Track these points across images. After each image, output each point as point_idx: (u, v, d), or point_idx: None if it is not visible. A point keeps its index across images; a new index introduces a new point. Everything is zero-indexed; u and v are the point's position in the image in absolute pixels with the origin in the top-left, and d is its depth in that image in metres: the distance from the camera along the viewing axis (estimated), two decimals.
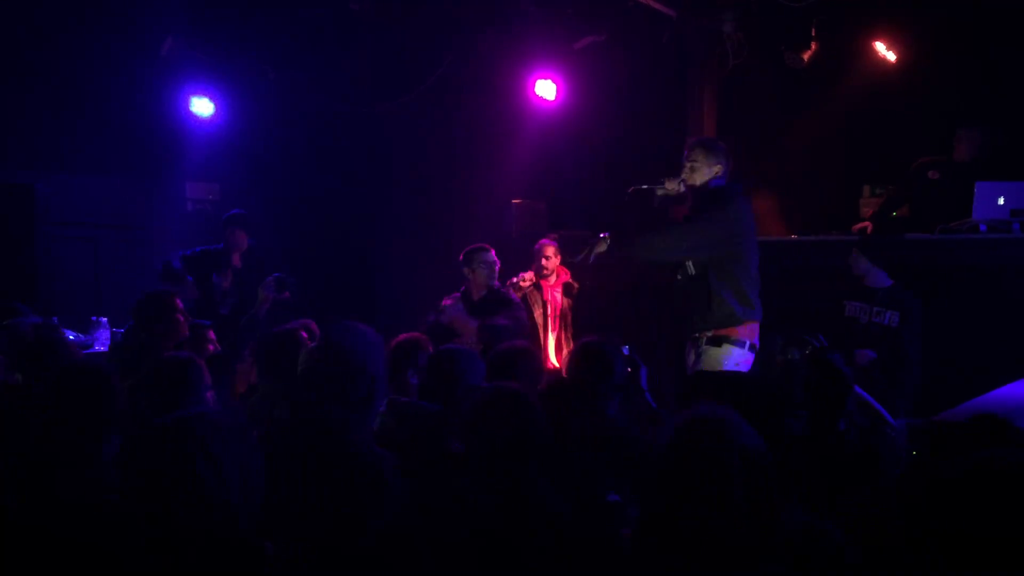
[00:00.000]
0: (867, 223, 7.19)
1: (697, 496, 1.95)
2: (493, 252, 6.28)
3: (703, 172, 5.00)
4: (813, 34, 7.66)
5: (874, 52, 7.91)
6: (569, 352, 3.91)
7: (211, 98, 8.18)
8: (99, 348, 6.84)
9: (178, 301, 4.98)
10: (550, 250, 6.96)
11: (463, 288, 6.32)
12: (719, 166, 5.00)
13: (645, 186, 5.18)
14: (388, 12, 7.69)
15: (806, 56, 7.70)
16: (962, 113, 7.40)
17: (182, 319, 4.96)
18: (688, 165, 5.03)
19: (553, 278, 6.95)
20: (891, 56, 7.88)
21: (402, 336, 4.31)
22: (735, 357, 4.83)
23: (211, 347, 5.06)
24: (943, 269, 6.17)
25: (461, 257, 6.35)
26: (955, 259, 6.17)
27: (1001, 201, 6.18)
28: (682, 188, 5.06)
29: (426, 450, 3.33)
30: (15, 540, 2.51)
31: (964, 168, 6.98)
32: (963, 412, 3.68)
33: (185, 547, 2.01)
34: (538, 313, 6.91)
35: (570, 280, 7.00)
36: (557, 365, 6.90)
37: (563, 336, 6.97)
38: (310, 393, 3.09)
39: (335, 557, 2.68)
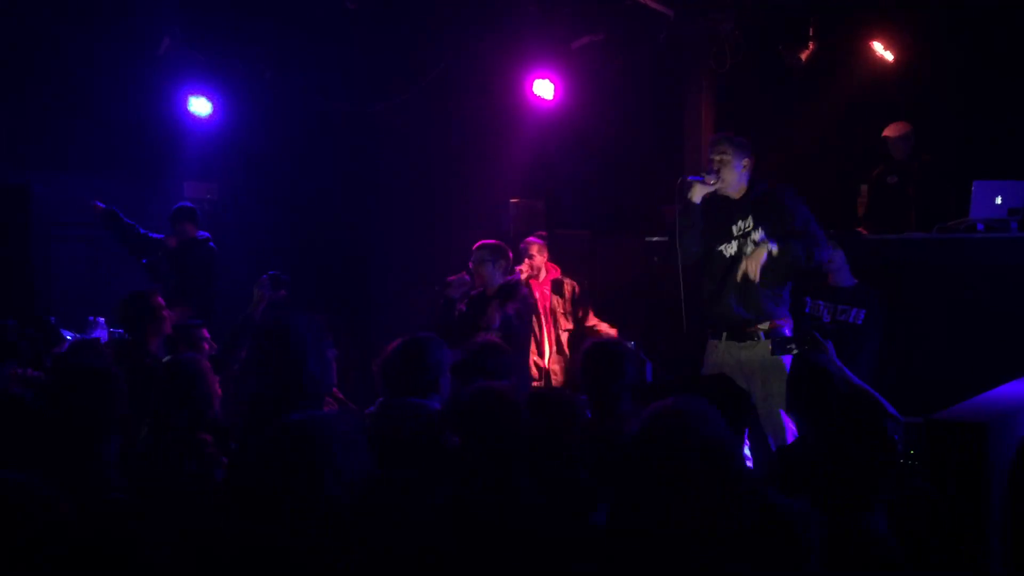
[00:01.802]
0: (861, 229, 7.23)
1: (659, 484, 2.00)
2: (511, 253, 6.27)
3: (733, 167, 4.98)
4: (811, 33, 7.67)
5: (872, 51, 7.92)
6: (582, 351, 3.90)
7: (209, 97, 8.17)
8: None
9: (159, 299, 4.99)
10: (534, 248, 6.92)
11: (470, 282, 6.17)
12: (747, 160, 5.02)
13: (691, 177, 5.12)
14: (385, 11, 7.69)
15: (804, 56, 7.70)
16: (959, 113, 7.43)
17: (166, 316, 4.97)
18: (717, 159, 5.00)
19: (542, 276, 6.93)
20: (889, 56, 7.89)
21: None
22: None
23: (206, 346, 5.04)
24: (940, 268, 6.17)
25: (484, 248, 6.16)
26: (953, 258, 6.17)
27: (999, 200, 6.18)
28: (717, 183, 4.99)
29: (424, 445, 3.33)
30: (17, 541, 2.50)
31: (915, 168, 7.18)
32: (961, 412, 3.68)
33: (301, 546, 2.00)
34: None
35: (560, 277, 6.98)
36: (545, 365, 6.89)
37: (552, 335, 6.95)
38: (259, 386, 3.09)
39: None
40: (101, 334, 6.98)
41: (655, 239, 7.04)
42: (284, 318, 3.15)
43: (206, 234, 7.43)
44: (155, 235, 7.50)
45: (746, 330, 4.87)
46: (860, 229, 7.23)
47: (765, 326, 4.87)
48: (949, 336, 5.90)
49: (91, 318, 7.08)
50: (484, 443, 2.68)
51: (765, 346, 4.72)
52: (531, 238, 7.08)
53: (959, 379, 4.64)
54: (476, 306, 6.03)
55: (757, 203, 4.96)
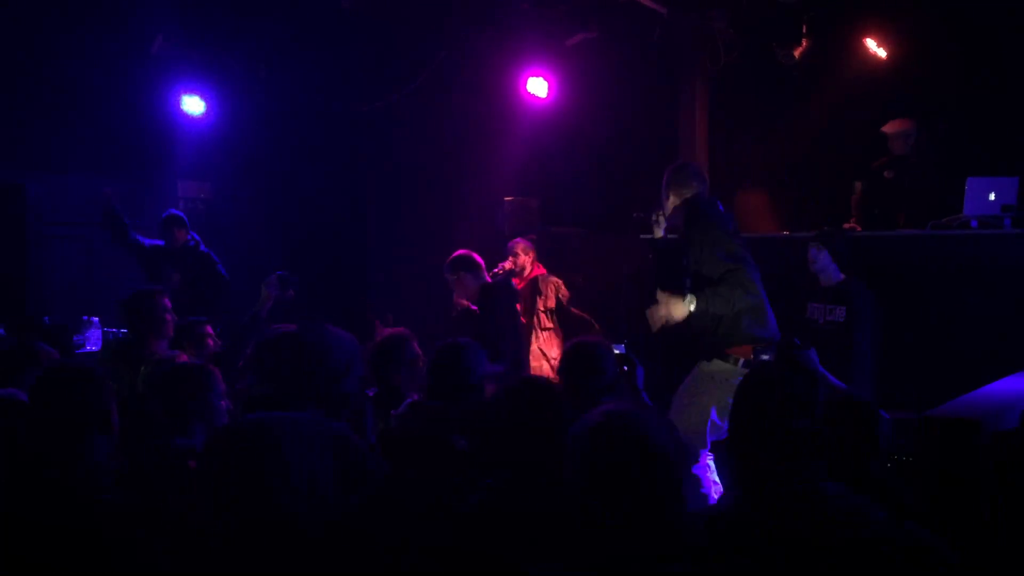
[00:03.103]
0: (854, 224, 7.25)
1: (603, 489, 2.03)
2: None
3: (668, 204, 4.93)
4: (804, 31, 7.68)
5: (865, 48, 7.93)
6: (562, 351, 3.90)
7: (202, 96, 8.15)
8: (91, 348, 6.84)
9: (166, 300, 4.95)
10: (519, 247, 7.09)
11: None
12: (671, 193, 4.90)
13: (638, 214, 5.14)
14: (379, 10, 7.68)
15: (797, 53, 7.71)
16: (952, 109, 7.45)
17: (169, 318, 4.94)
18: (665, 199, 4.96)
19: (525, 274, 7.09)
20: (882, 52, 7.91)
21: (386, 331, 4.32)
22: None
23: (210, 342, 5.02)
24: (934, 265, 6.19)
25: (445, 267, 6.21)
26: (947, 255, 6.19)
27: (992, 197, 6.20)
28: (659, 221, 5.06)
29: (433, 448, 3.31)
30: (6, 540, 2.50)
31: (913, 164, 7.16)
32: (954, 408, 3.69)
33: (248, 552, 1.98)
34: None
35: (542, 275, 7.05)
36: None
37: (534, 334, 7.01)
38: (270, 389, 3.08)
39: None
40: (95, 334, 6.99)
41: (650, 237, 7.05)
42: (330, 332, 3.11)
43: (196, 237, 7.37)
44: (147, 240, 7.32)
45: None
46: (853, 224, 7.24)
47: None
48: (942, 333, 5.91)
49: (85, 318, 7.08)
50: (532, 435, 2.62)
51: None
52: (518, 239, 7.27)
53: (953, 375, 4.66)
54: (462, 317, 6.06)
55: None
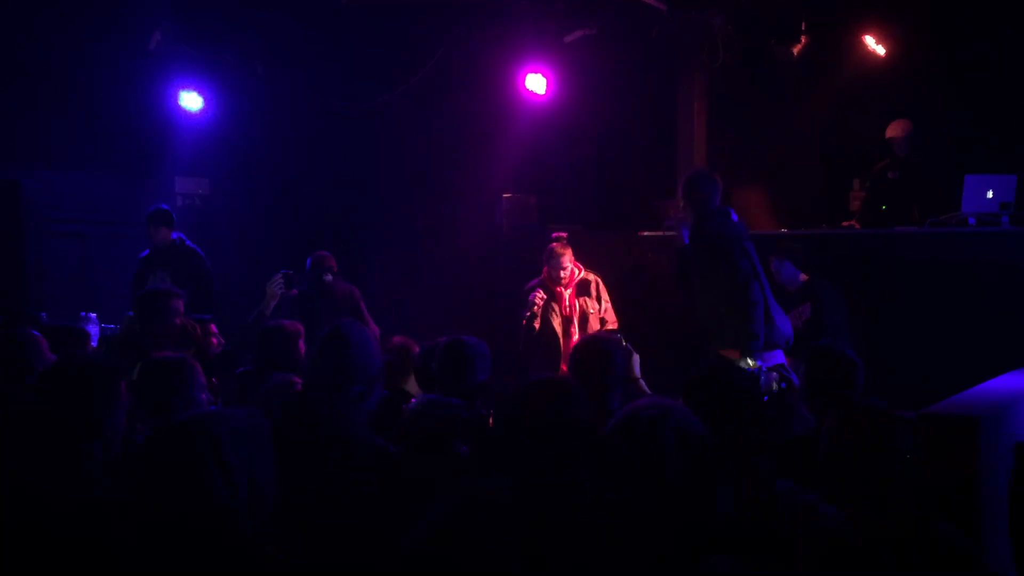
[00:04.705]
0: (853, 222, 7.25)
1: (634, 481, 2.04)
2: None
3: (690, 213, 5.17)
4: (803, 28, 7.68)
5: (864, 46, 7.93)
6: (573, 347, 3.90)
7: (200, 92, 8.14)
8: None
9: (179, 304, 4.94)
10: (566, 259, 6.33)
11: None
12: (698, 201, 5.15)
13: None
14: (377, 6, 7.67)
15: (796, 50, 7.71)
16: (951, 108, 7.45)
17: (179, 322, 4.92)
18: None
19: (572, 279, 6.39)
20: (880, 50, 7.91)
21: (396, 340, 4.36)
22: None
23: (215, 340, 5.01)
24: (933, 262, 6.19)
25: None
26: (945, 252, 6.19)
27: (990, 194, 6.20)
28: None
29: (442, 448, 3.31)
30: (6, 539, 2.49)
31: (915, 164, 7.22)
32: (952, 405, 3.69)
33: (189, 550, 1.98)
34: (556, 322, 6.27)
35: (584, 277, 6.41)
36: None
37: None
38: (317, 382, 3.14)
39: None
40: (93, 330, 6.96)
41: (648, 234, 7.06)
42: (366, 330, 3.27)
43: (180, 234, 7.21)
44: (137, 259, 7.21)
45: None
46: (853, 223, 7.25)
47: None
48: (941, 330, 5.91)
49: (83, 314, 7.06)
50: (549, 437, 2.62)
51: None
52: (556, 244, 6.43)
53: (951, 373, 4.66)
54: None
55: None
